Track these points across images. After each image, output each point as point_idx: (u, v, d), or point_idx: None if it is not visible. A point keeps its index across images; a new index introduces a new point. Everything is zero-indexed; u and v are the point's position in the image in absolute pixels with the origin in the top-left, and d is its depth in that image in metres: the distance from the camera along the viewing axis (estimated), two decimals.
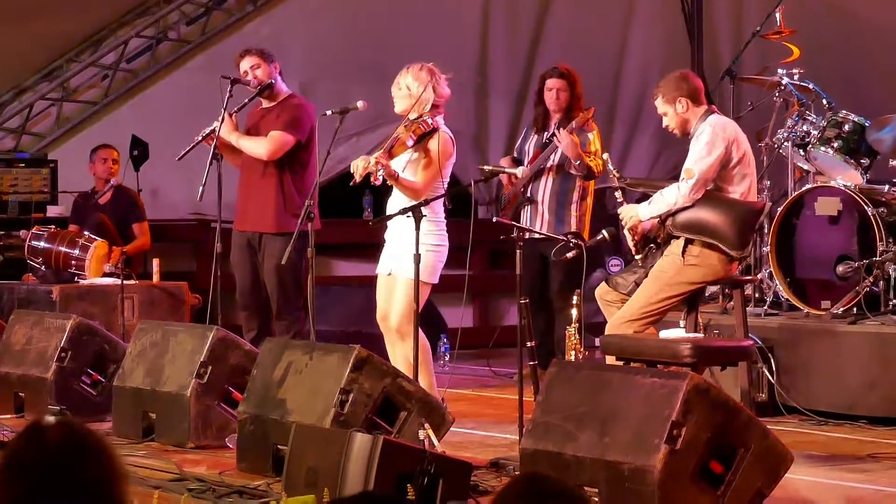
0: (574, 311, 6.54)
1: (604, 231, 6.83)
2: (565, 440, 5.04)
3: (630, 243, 6.88)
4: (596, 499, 4.84)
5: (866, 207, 7.65)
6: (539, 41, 11.64)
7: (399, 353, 6.89)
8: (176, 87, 10.86)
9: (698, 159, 6.63)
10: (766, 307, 8.02)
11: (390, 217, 6.85)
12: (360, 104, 7.14)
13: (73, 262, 9.08)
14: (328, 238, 8.86)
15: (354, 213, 11.17)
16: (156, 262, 9.35)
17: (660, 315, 6.67)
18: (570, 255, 6.75)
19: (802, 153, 8.20)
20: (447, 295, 9.54)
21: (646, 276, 6.72)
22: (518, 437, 5.85)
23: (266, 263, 8.08)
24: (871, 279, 7.59)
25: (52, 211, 10.06)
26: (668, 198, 6.66)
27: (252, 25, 11.05)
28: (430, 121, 6.96)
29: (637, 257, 6.84)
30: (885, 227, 7.61)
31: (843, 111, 8.13)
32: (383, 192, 7.04)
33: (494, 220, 6.98)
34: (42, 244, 9.16)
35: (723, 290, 8.13)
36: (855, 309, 7.62)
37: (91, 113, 10.86)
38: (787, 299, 7.96)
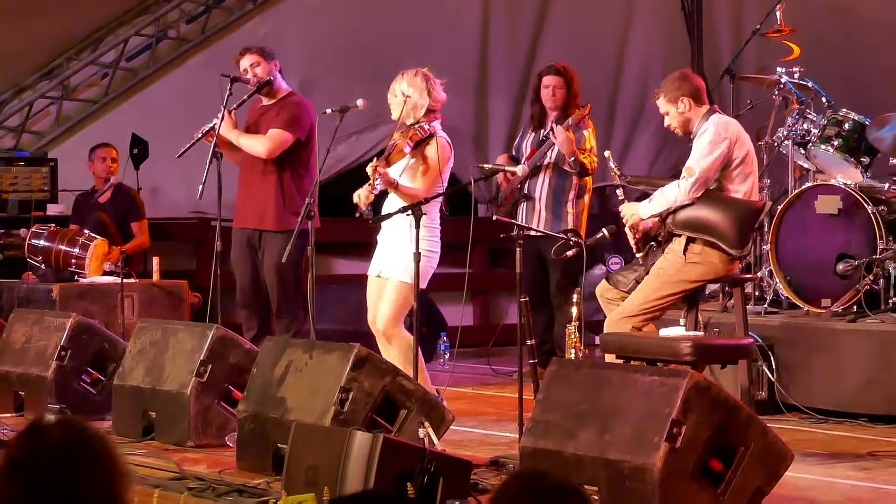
0: (574, 310, 6.54)
1: (603, 229, 6.83)
2: (565, 438, 5.04)
3: (631, 241, 6.88)
4: (596, 497, 4.84)
5: (866, 206, 7.65)
6: (539, 40, 11.64)
7: (393, 358, 6.89)
8: (176, 85, 10.86)
9: (700, 158, 6.63)
10: (766, 305, 8.02)
11: (390, 216, 6.87)
12: (359, 103, 7.15)
13: (72, 260, 9.07)
14: (328, 236, 8.87)
15: (354, 212, 11.15)
16: (156, 260, 9.35)
17: (659, 312, 6.67)
18: (570, 253, 6.75)
19: (802, 151, 8.20)
20: (447, 293, 9.55)
21: (646, 274, 6.72)
22: (518, 436, 5.85)
23: (266, 261, 8.09)
24: (871, 277, 7.59)
25: (51, 209, 10.05)
26: (669, 195, 6.66)
27: (252, 24, 11.05)
28: (426, 126, 6.98)
29: (638, 255, 6.84)
30: (885, 225, 7.61)
31: (843, 109, 8.13)
32: (382, 192, 7.04)
33: (494, 218, 6.99)
34: (42, 243, 9.16)
35: (723, 289, 8.13)
36: (855, 307, 7.62)
37: (91, 111, 10.86)
38: (787, 297, 7.96)
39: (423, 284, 6.91)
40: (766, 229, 8.03)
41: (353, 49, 10.94)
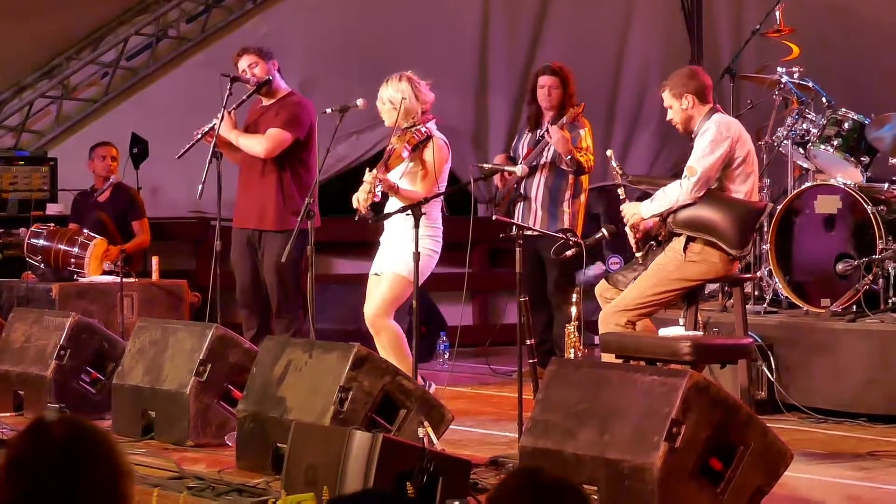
0: (573, 309, 6.54)
1: (603, 229, 6.84)
2: (565, 438, 5.04)
3: (631, 241, 6.88)
4: (595, 497, 4.84)
5: (866, 205, 7.65)
6: (539, 40, 11.64)
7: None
8: (176, 84, 10.86)
9: (701, 157, 6.63)
10: (765, 305, 8.02)
11: (390, 215, 6.88)
12: (359, 102, 7.16)
13: (72, 260, 9.07)
14: (328, 236, 8.87)
15: (354, 211, 11.14)
16: (155, 260, 9.35)
17: (654, 308, 6.67)
18: (569, 252, 6.75)
19: (802, 151, 8.20)
20: (447, 293, 9.56)
21: None
22: (517, 435, 5.85)
23: (265, 261, 8.09)
24: (870, 277, 7.59)
25: (51, 209, 10.05)
26: (671, 195, 6.66)
27: (252, 23, 11.05)
28: (423, 129, 7.00)
29: (638, 255, 6.84)
30: (885, 225, 7.61)
31: (843, 109, 8.13)
32: (384, 195, 7.05)
33: (494, 218, 7.00)
34: (41, 242, 9.15)
35: (722, 288, 8.13)
36: (854, 307, 7.62)
37: (91, 111, 10.86)
38: (787, 297, 7.96)
39: (420, 280, 6.95)
40: (765, 229, 8.03)
41: (353, 48, 10.94)
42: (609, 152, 7.21)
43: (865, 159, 8.09)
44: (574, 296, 6.60)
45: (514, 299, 6.45)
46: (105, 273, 9.11)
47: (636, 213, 6.81)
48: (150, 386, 6.82)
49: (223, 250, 7.94)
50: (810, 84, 8.25)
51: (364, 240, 10.43)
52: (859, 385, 7.34)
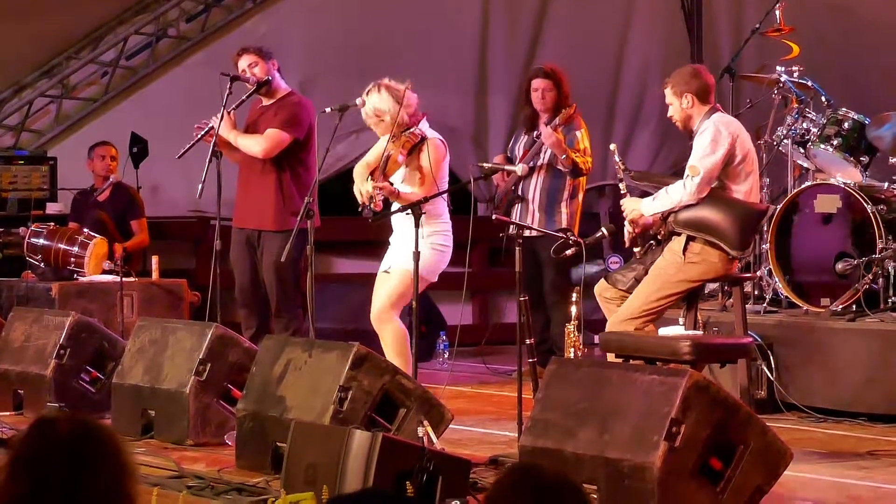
0: (573, 308, 6.54)
1: (603, 228, 6.83)
2: (565, 437, 5.04)
3: (627, 235, 6.86)
4: (595, 496, 4.84)
5: (865, 205, 7.65)
6: (538, 39, 11.64)
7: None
8: (175, 84, 10.85)
9: (703, 156, 6.61)
10: (765, 304, 8.02)
11: (389, 214, 6.90)
12: (359, 101, 7.16)
13: (72, 259, 9.07)
14: (327, 235, 8.87)
15: (354, 211, 11.13)
16: (155, 259, 9.35)
17: (659, 313, 6.67)
18: (569, 252, 6.75)
19: (802, 151, 8.20)
20: (447, 292, 9.54)
21: (645, 272, 6.71)
22: (517, 435, 5.85)
23: (265, 260, 8.09)
24: (870, 276, 7.59)
25: (51, 208, 10.05)
26: (674, 195, 6.64)
27: (251, 22, 11.05)
28: (416, 131, 7.01)
29: (635, 249, 6.83)
30: (885, 224, 7.61)
31: (843, 108, 8.13)
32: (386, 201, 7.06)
33: (494, 218, 7.01)
34: (41, 241, 9.15)
35: (722, 288, 8.12)
36: (854, 306, 7.62)
37: (90, 110, 10.86)
38: (787, 297, 7.96)
39: (434, 277, 7.06)
40: (765, 228, 8.02)
41: (353, 48, 10.94)
42: (612, 146, 7.21)
43: (865, 159, 8.09)
44: (574, 295, 6.59)
45: (514, 299, 6.45)
46: (105, 272, 9.11)
47: (636, 209, 6.80)
48: (149, 385, 6.82)
49: (223, 249, 7.94)
50: (810, 83, 8.25)
51: (364, 239, 10.45)
52: (859, 384, 7.34)
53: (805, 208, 7.96)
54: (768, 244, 7.97)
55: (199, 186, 7.74)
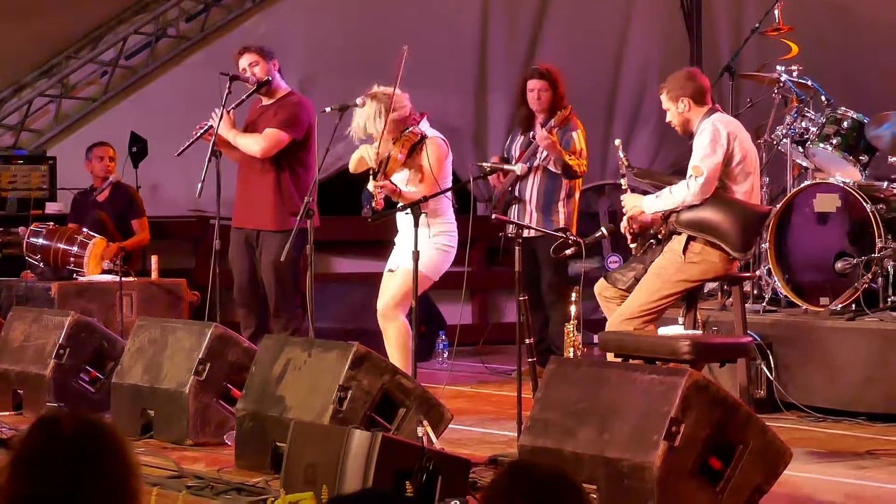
0: (572, 308, 6.54)
1: (602, 228, 6.83)
2: (564, 437, 5.04)
3: (625, 230, 6.85)
4: (595, 496, 4.84)
5: (865, 204, 7.65)
6: (538, 39, 11.64)
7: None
8: (175, 83, 10.85)
9: (704, 157, 6.61)
10: (764, 304, 8.02)
11: (388, 214, 6.90)
12: (359, 101, 7.15)
13: (71, 258, 9.07)
14: (327, 235, 8.87)
15: (353, 210, 11.15)
16: (154, 258, 9.35)
17: (659, 312, 6.67)
18: (569, 252, 6.75)
19: (801, 150, 8.20)
20: (446, 292, 9.54)
21: (645, 272, 6.71)
22: (517, 434, 5.85)
23: (263, 260, 8.09)
24: (869, 276, 7.59)
25: (50, 208, 10.05)
26: (677, 195, 6.63)
27: (251, 22, 11.05)
28: (416, 130, 7.02)
29: (632, 246, 6.83)
30: (884, 223, 7.61)
31: (842, 108, 8.13)
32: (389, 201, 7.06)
33: (494, 217, 7.01)
34: (40, 241, 9.15)
35: (722, 287, 8.12)
36: (853, 306, 7.62)
37: (90, 110, 10.86)
38: (786, 296, 7.96)
39: (436, 276, 7.09)
40: (764, 227, 8.02)
41: (353, 48, 10.94)
42: (617, 142, 7.20)
43: (864, 158, 8.09)
44: (573, 295, 6.60)
45: (513, 298, 6.45)
46: (104, 272, 9.11)
47: (637, 205, 6.79)
48: (149, 385, 6.82)
49: (222, 249, 7.94)
50: (809, 82, 8.25)
51: (363, 239, 10.45)
52: (858, 384, 7.34)
53: (804, 207, 7.97)
54: (768, 243, 7.97)
55: (199, 186, 7.74)
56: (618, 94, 11.90)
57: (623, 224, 6.84)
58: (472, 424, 7.15)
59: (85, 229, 9.28)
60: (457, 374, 8.68)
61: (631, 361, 6.03)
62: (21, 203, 9.95)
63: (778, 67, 8.30)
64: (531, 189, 8.76)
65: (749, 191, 6.71)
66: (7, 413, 7.50)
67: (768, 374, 7.51)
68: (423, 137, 7.04)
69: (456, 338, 7.80)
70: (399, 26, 11.05)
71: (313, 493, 4.90)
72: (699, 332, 6.81)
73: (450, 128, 7.36)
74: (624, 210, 6.86)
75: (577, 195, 8.82)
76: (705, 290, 8.00)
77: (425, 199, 6.76)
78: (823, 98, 8.21)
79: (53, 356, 7.37)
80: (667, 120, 6.88)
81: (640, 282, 6.69)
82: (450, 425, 6.02)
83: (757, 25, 8.81)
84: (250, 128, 8.18)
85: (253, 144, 8.03)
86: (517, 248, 6.27)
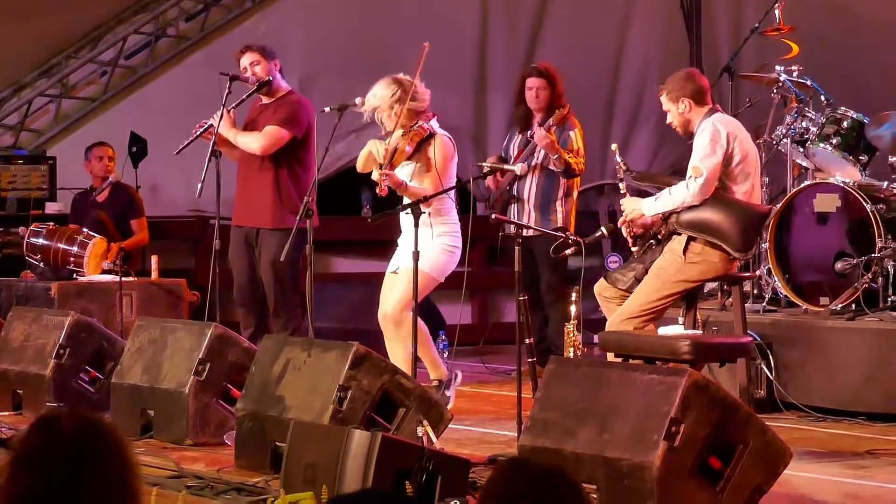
0: (572, 308, 6.54)
1: (602, 227, 6.83)
2: (564, 437, 5.04)
3: (626, 235, 6.86)
4: (595, 496, 4.84)
5: (865, 204, 7.65)
6: (538, 38, 11.64)
7: (395, 346, 7.00)
8: (175, 83, 10.85)
9: (703, 157, 6.60)
10: (764, 304, 8.02)
11: (388, 215, 6.90)
12: (358, 101, 7.17)
13: (71, 258, 9.07)
14: (326, 235, 8.87)
15: (353, 210, 11.17)
16: (154, 258, 9.35)
17: (659, 312, 6.67)
18: (569, 251, 6.75)
19: (801, 150, 8.20)
20: (446, 292, 9.53)
21: (645, 272, 6.71)
22: (517, 434, 5.85)
23: (262, 258, 8.09)
24: (869, 276, 7.59)
25: (50, 208, 10.04)
26: (677, 196, 6.63)
27: (251, 22, 11.04)
28: (425, 125, 7.02)
29: (634, 249, 6.83)
30: (884, 223, 7.61)
31: (842, 108, 8.13)
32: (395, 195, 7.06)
33: (493, 216, 7.01)
34: (40, 241, 9.15)
35: (721, 287, 8.12)
36: (853, 305, 7.62)
37: (90, 109, 10.85)
38: (786, 296, 7.96)
39: (441, 278, 7.10)
40: (764, 227, 8.02)
41: (353, 47, 10.94)
42: (614, 146, 7.21)
43: (864, 158, 8.09)
44: (573, 294, 6.60)
45: (513, 298, 6.45)
46: (104, 272, 9.11)
47: (636, 208, 6.79)
48: (149, 385, 6.82)
49: (222, 249, 7.94)
50: (809, 82, 8.25)
51: (362, 239, 10.46)
52: (858, 383, 7.34)
53: (804, 207, 7.97)
54: (767, 243, 7.97)
55: (199, 186, 7.74)
56: (617, 94, 11.90)
57: (623, 228, 6.83)
58: (472, 424, 7.15)
59: (85, 229, 9.28)
60: None
61: (631, 361, 6.03)
62: (21, 203, 9.95)
63: (777, 67, 8.30)
64: (529, 188, 8.76)
65: (749, 191, 6.70)
66: (7, 413, 7.50)
67: (768, 374, 7.51)
68: (432, 134, 7.05)
69: (456, 338, 7.80)
70: (399, 26, 11.06)
71: (313, 493, 4.90)
72: (699, 332, 6.81)
73: (449, 127, 7.35)
74: (624, 214, 6.86)
75: (575, 194, 8.82)
76: (705, 290, 8.00)
77: (426, 198, 6.76)
78: (823, 98, 8.21)
79: (53, 356, 7.37)
80: (668, 121, 6.88)
81: (640, 282, 6.69)
82: (450, 425, 6.02)
83: (757, 25, 8.81)
84: (250, 127, 8.18)
85: (253, 142, 8.03)
86: (517, 247, 6.27)
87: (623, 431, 4.87)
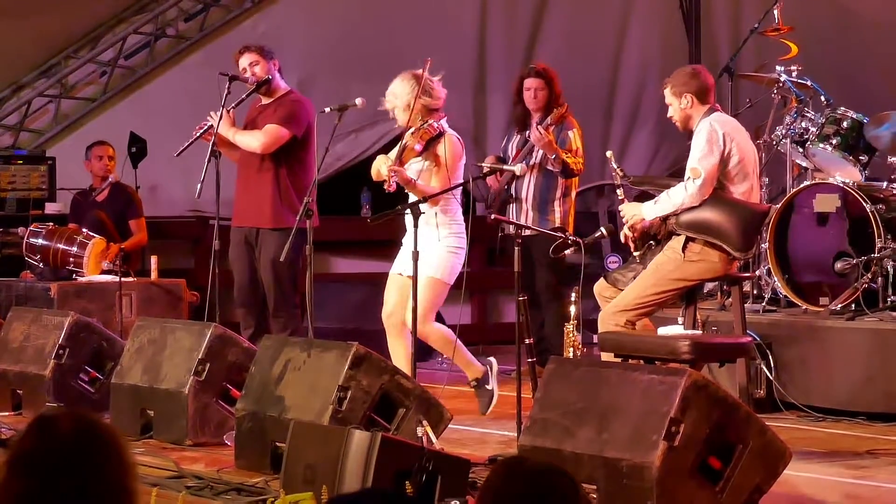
0: (572, 308, 6.54)
1: (602, 228, 6.83)
2: (564, 437, 5.04)
3: (629, 241, 6.86)
4: (595, 496, 4.84)
5: (864, 204, 7.65)
6: (537, 38, 11.64)
7: (397, 346, 7.01)
8: (174, 83, 10.85)
9: (701, 158, 6.60)
10: (764, 304, 8.02)
11: (388, 215, 6.89)
12: (358, 101, 7.17)
13: (71, 259, 9.07)
14: (326, 235, 8.87)
15: (353, 210, 11.17)
16: (154, 259, 9.35)
17: (653, 308, 6.66)
18: (568, 251, 6.75)
19: (801, 150, 8.20)
20: None
21: None
22: (516, 434, 5.85)
23: (262, 258, 8.09)
24: (869, 276, 7.59)
25: (50, 208, 10.04)
26: (675, 198, 6.62)
27: (250, 22, 11.04)
28: (435, 124, 7.04)
29: (636, 254, 6.83)
30: (884, 223, 7.61)
31: (842, 108, 8.13)
32: (383, 190, 7.04)
33: (493, 216, 7.01)
34: (40, 241, 9.15)
35: (721, 287, 8.12)
36: (853, 305, 7.62)
37: (89, 110, 10.85)
38: (786, 296, 7.96)
39: (451, 280, 7.07)
40: (764, 228, 8.02)
41: (352, 47, 10.94)
42: (609, 153, 7.20)
43: (864, 158, 8.09)
44: (573, 295, 6.59)
45: (512, 298, 6.45)
46: (104, 272, 9.11)
47: (636, 213, 6.79)
48: (148, 385, 6.82)
49: (222, 249, 7.94)
50: (809, 82, 8.26)
51: (362, 239, 10.45)
52: (858, 383, 7.34)
53: (804, 207, 7.97)
54: (767, 243, 7.97)
55: (198, 186, 7.74)
56: (617, 94, 11.90)
57: (623, 233, 6.83)
58: (471, 424, 7.15)
59: (84, 229, 9.28)
60: (456, 374, 8.67)
61: (630, 361, 6.03)
62: (20, 203, 9.95)
63: (777, 67, 8.30)
64: (527, 188, 8.76)
65: (748, 191, 6.70)
66: (7, 413, 7.50)
67: (768, 374, 7.51)
68: (442, 133, 7.06)
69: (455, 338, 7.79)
70: (398, 25, 11.06)
71: (313, 493, 4.90)
72: (699, 331, 6.81)
73: (449, 126, 7.35)
74: (623, 220, 6.85)
75: (573, 194, 8.82)
76: (705, 290, 8.00)
77: (426, 199, 6.75)
78: (823, 98, 8.21)
79: (53, 356, 7.36)
80: (668, 115, 6.88)
81: (637, 276, 6.69)
82: (450, 425, 6.02)
83: (756, 25, 8.81)
84: (249, 127, 8.18)
85: (253, 141, 8.03)
86: (516, 248, 6.27)
87: (623, 431, 4.87)
